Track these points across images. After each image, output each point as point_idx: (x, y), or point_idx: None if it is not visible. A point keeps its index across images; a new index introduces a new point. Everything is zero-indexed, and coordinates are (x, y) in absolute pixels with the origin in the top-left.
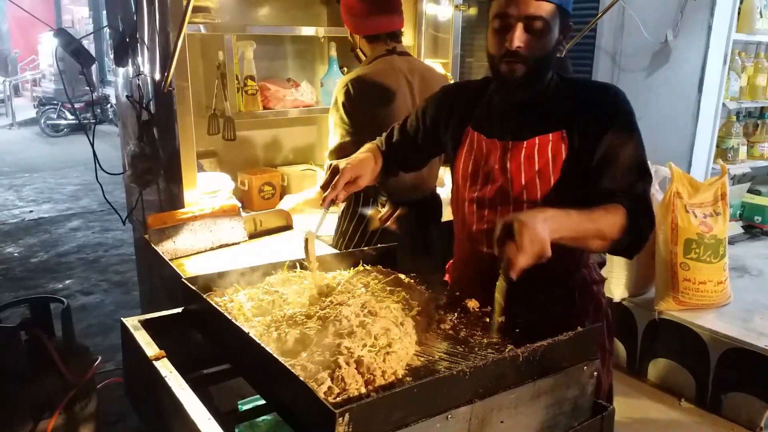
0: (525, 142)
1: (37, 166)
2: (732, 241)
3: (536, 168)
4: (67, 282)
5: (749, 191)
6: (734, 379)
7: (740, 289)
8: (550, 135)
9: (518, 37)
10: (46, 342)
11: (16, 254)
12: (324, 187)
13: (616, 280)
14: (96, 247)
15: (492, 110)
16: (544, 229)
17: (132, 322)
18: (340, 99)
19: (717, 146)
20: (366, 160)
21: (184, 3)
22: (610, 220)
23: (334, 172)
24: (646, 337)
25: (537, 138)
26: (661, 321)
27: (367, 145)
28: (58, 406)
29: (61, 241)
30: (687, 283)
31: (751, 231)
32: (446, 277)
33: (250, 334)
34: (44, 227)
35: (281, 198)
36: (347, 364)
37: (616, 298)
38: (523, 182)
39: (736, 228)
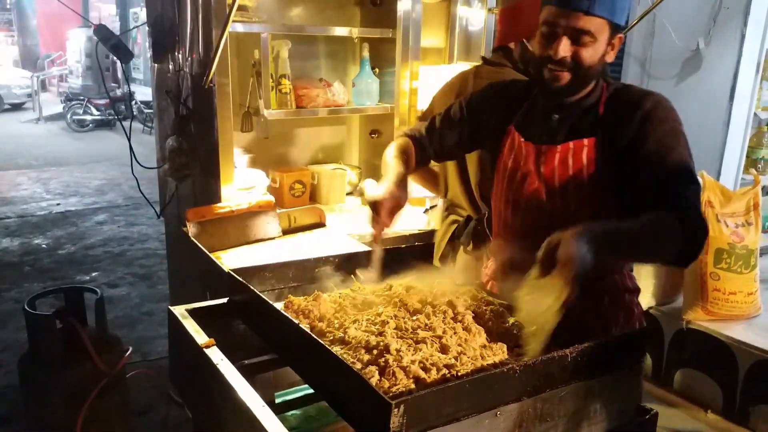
0: (559, 147)
1: (63, 160)
2: (760, 252)
3: (570, 172)
4: (94, 274)
5: None
6: (763, 391)
7: None
8: (585, 140)
9: (563, 48)
10: (80, 331)
11: (44, 246)
12: (373, 224)
13: (644, 288)
14: (121, 240)
15: (534, 112)
16: (587, 253)
17: (179, 311)
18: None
19: (747, 156)
20: (398, 177)
21: (228, 2)
22: (661, 231)
23: (374, 208)
24: (672, 347)
25: (571, 143)
26: (688, 330)
27: (399, 142)
28: (90, 395)
29: (88, 234)
30: (716, 293)
31: None
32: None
33: (300, 325)
34: (71, 220)
35: (310, 197)
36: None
37: (643, 306)
38: (557, 186)
39: (763, 240)
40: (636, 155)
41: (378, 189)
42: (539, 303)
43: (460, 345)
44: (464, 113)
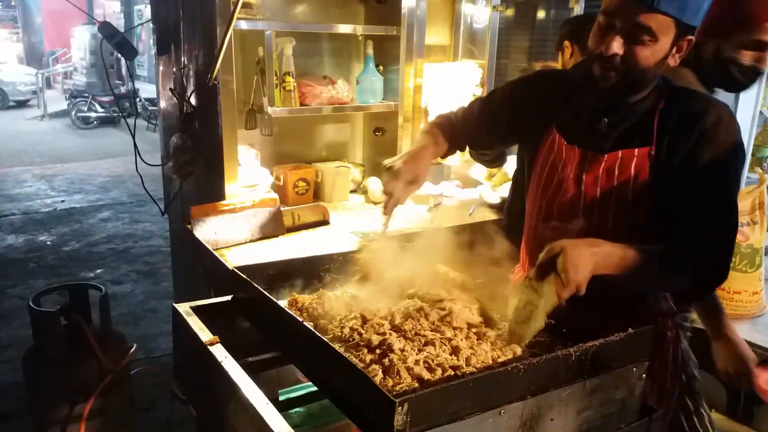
0: (606, 155)
1: (67, 157)
2: (765, 251)
3: (614, 183)
4: (98, 271)
5: None
6: None
7: None
8: (636, 150)
9: (616, 45)
10: (84, 328)
11: (48, 242)
12: (387, 191)
13: None
14: (126, 237)
15: (581, 113)
16: (588, 265)
17: (184, 308)
18: None
19: (752, 155)
20: (423, 152)
21: (232, 0)
22: (671, 270)
23: (392, 174)
24: None
25: (620, 152)
26: (693, 330)
27: (435, 121)
28: (95, 392)
29: (92, 231)
30: (721, 292)
31: None
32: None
33: (304, 323)
34: (75, 217)
35: (314, 195)
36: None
37: None
38: (597, 197)
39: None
40: (681, 175)
41: (398, 159)
42: (530, 305)
43: (471, 348)
44: (506, 101)
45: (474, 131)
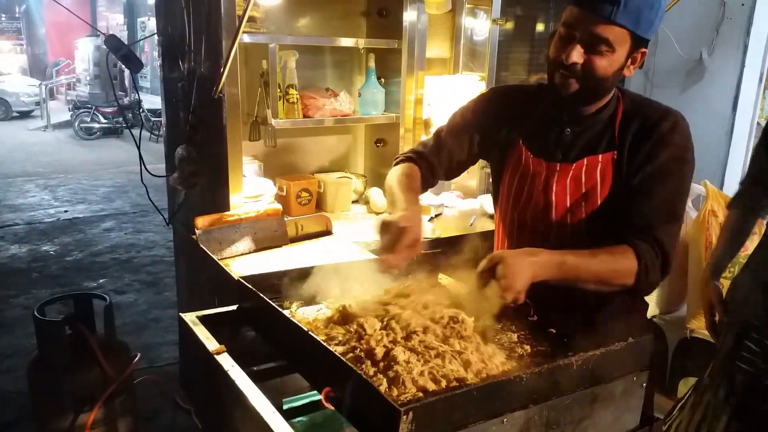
0: (573, 164)
1: (71, 167)
2: None
3: (582, 190)
4: (102, 281)
5: None
6: None
7: None
8: (600, 156)
9: (575, 54)
10: (89, 337)
11: (52, 252)
12: (384, 249)
13: (647, 297)
14: (129, 247)
15: (544, 125)
16: (526, 274)
17: (190, 318)
18: None
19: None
20: (418, 211)
21: (238, 13)
22: (612, 266)
23: (394, 232)
24: (677, 356)
25: (586, 159)
26: (693, 339)
27: (405, 170)
28: (99, 400)
29: (95, 241)
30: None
31: None
32: None
33: (309, 332)
34: (79, 227)
35: (316, 205)
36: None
37: (647, 314)
38: (568, 205)
39: None
40: (637, 175)
41: (396, 220)
42: (479, 307)
43: (483, 362)
44: (470, 123)
45: (448, 162)
